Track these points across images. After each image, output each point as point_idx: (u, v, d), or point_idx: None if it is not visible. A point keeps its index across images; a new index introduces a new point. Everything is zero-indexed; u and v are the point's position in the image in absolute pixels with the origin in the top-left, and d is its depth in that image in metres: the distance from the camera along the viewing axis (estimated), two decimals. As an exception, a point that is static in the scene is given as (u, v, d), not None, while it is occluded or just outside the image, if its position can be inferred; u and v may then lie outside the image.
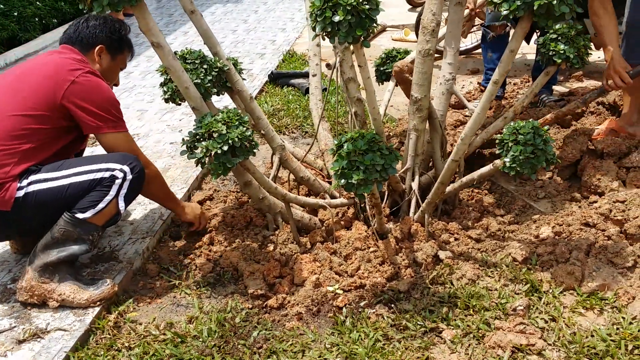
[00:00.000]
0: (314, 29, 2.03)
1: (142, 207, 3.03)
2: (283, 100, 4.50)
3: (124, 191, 2.38)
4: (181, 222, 2.97)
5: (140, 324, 2.31)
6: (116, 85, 2.79)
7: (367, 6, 1.95)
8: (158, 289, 2.52)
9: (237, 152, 2.32)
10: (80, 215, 2.32)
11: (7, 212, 2.30)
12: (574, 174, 3.01)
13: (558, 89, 4.12)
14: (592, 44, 2.86)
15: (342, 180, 2.15)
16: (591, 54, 2.79)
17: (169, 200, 2.80)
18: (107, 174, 2.35)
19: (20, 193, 2.29)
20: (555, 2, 1.94)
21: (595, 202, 2.74)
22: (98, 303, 2.35)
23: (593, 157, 2.94)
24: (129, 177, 2.37)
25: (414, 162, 2.77)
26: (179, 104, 2.72)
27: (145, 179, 2.50)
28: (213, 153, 2.26)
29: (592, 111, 3.36)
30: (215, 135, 2.27)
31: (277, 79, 4.94)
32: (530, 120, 2.34)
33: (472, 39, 5.17)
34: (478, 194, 3.00)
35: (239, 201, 3.13)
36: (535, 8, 1.98)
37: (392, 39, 6.03)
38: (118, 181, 2.35)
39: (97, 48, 2.59)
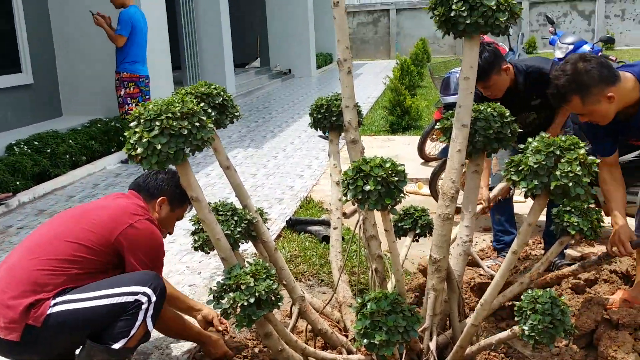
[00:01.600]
0: (345, 194, 2.18)
1: (159, 352, 3.04)
2: (300, 246, 4.62)
3: (150, 312, 2.51)
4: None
5: None
6: (170, 233, 2.98)
7: (396, 178, 2.11)
8: None
9: (262, 305, 2.38)
10: (115, 346, 2.45)
11: (37, 329, 2.40)
12: (589, 342, 3.02)
13: (570, 252, 4.22)
14: (603, 213, 3.00)
15: (365, 340, 2.20)
16: (604, 226, 2.92)
17: (191, 331, 2.88)
18: (130, 298, 2.48)
19: (50, 310, 2.42)
20: (571, 184, 2.09)
21: (614, 374, 2.73)
22: None
23: (608, 327, 2.97)
24: (153, 299, 2.52)
25: (432, 321, 2.81)
26: (208, 253, 2.83)
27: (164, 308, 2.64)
28: (239, 305, 2.33)
29: (605, 279, 3.43)
30: (243, 287, 2.35)
31: (294, 225, 5.10)
32: (548, 289, 2.41)
33: None
34: (495, 358, 2.99)
35: (253, 350, 3.14)
36: (552, 188, 2.13)
37: (407, 192, 6.26)
38: (144, 306, 2.49)
39: (160, 199, 2.82)
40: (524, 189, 2.18)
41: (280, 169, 7.22)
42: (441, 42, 24.21)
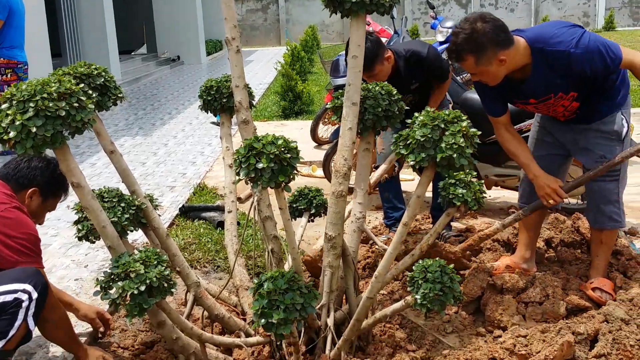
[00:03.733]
0: (237, 174, 2.13)
1: (43, 351, 2.85)
2: (194, 233, 4.51)
3: (31, 311, 2.32)
4: None
5: None
6: (40, 224, 2.77)
7: (289, 155, 2.10)
8: None
9: (154, 292, 2.29)
10: None
11: None
12: (477, 308, 3.18)
13: (456, 225, 4.42)
14: (484, 185, 3.15)
15: (262, 320, 2.17)
16: (485, 197, 3.07)
17: (74, 343, 2.67)
18: (9, 297, 2.29)
19: None
20: (455, 155, 2.17)
21: (500, 336, 2.89)
22: None
23: (494, 292, 3.14)
24: (35, 296, 2.33)
25: (329, 298, 2.84)
26: (93, 242, 2.68)
27: (50, 306, 2.43)
28: (129, 294, 2.22)
29: (489, 248, 3.62)
30: (132, 275, 2.25)
31: (188, 212, 4.97)
32: (437, 259, 2.51)
33: None
34: (390, 329, 3.07)
35: (148, 341, 3.02)
36: (438, 160, 2.20)
37: (301, 175, 6.29)
38: (24, 304, 2.30)
39: (31, 190, 2.61)
40: (412, 162, 2.24)
41: (171, 156, 7.01)
42: (330, 30, 24.55)
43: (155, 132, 8.35)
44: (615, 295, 2.99)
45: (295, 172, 2.13)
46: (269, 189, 2.35)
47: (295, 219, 3.57)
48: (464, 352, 2.82)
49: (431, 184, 5.11)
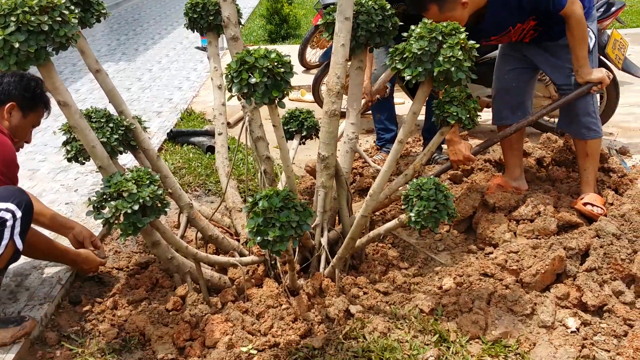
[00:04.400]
0: (229, 89, 2.07)
1: (38, 272, 2.85)
2: (184, 158, 4.46)
3: (17, 230, 2.29)
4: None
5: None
6: (27, 142, 2.71)
7: (282, 69, 2.03)
8: (59, 359, 2.36)
9: (148, 212, 2.27)
10: None
11: None
12: (469, 226, 3.21)
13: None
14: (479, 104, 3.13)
15: (258, 238, 2.17)
16: (480, 115, 3.04)
17: (58, 251, 2.70)
18: None
19: None
20: (453, 69, 2.12)
21: (491, 253, 2.93)
22: (22, 339, 2.32)
23: (486, 210, 3.16)
24: (19, 215, 2.28)
25: (323, 218, 2.84)
26: (83, 164, 2.63)
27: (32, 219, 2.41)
28: (123, 213, 2.20)
29: (480, 168, 3.62)
30: (125, 194, 2.22)
31: (176, 137, 4.90)
32: (431, 176, 2.50)
33: None
34: (383, 248, 3.11)
35: (143, 262, 3.04)
36: (435, 74, 2.15)
37: (290, 99, 6.20)
38: (9, 223, 2.25)
39: (8, 105, 2.51)
40: (408, 77, 2.18)
41: (156, 82, 6.86)
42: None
43: (139, 57, 8.14)
44: (607, 210, 3.02)
45: (289, 87, 2.07)
46: (260, 108, 2.30)
47: (286, 142, 3.53)
48: (455, 268, 2.87)
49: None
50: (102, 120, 2.57)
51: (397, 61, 2.25)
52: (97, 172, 4.12)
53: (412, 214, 2.42)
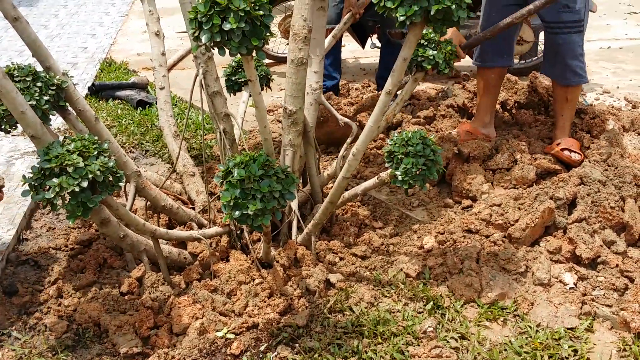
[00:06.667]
0: (196, 38, 1.70)
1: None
2: (112, 115, 3.99)
3: None
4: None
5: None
6: None
7: (261, 12, 1.68)
8: (1, 365, 2.00)
9: (98, 188, 1.91)
10: None
11: None
12: (442, 179, 3.01)
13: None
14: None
15: (237, 212, 1.86)
16: (456, 59, 2.80)
17: None
18: None
19: None
20: (454, 7, 1.85)
21: (470, 207, 2.76)
22: None
23: (459, 161, 2.98)
24: None
25: (291, 180, 2.55)
26: (9, 132, 2.19)
27: None
28: (69, 192, 1.83)
29: (443, 114, 3.42)
30: (70, 169, 1.83)
31: (99, 91, 4.38)
32: (417, 130, 2.26)
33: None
34: (352, 207, 2.87)
35: (85, 239, 2.66)
36: (432, 13, 1.88)
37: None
38: None
39: None
40: (402, 17, 1.89)
41: (65, 28, 6.15)
42: None
43: (41, 1, 7.29)
44: (584, 155, 2.91)
45: (269, 34, 1.73)
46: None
47: (234, 94, 3.17)
48: (434, 225, 2.69)
49: (371, 49, 4.77)
50: (27, 79, 2.12)
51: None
52: (14, 136, 3.61)
53: (398, 173, 2.18)
